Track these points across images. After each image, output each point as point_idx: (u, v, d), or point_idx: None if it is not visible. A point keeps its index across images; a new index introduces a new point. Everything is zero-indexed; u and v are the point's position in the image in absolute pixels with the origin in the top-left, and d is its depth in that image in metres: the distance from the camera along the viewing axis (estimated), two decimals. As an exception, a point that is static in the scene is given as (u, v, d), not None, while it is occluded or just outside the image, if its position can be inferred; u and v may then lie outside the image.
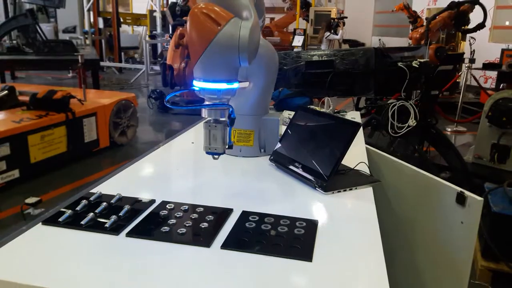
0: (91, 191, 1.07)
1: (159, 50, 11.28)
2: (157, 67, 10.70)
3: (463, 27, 7.47)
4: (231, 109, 1.06)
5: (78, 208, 0.96)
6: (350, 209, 1.05)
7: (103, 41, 12.30)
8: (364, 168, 1.29)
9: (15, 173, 3.40)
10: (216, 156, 1.11)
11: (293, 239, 0.86)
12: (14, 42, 8.80)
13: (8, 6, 11.18)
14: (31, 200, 1.42)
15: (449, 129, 6.04)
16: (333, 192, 1.12)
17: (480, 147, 3.73)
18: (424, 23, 7.64)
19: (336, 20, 8.31)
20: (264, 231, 0.88)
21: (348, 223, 0.97)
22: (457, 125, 6.14)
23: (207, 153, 1.10)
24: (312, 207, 1.05)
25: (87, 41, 11.18)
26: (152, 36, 11.52)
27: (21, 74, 10.63)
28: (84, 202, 0.98)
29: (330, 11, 10.09)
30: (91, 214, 0.92)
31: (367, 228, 0.94)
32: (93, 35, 11.82)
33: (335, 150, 1.13)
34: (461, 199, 1.22)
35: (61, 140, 3.80)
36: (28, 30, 7.12)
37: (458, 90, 7.85)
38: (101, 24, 12.25)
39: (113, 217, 0.91)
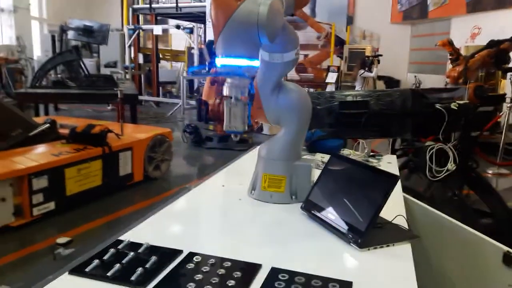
0: (120, 238, 1.06)
1: (196, 85, 11.56)
2: (193, 102, 10.96)
3: (503, 66, 7.28)
4: (250, 85, 1.06)
5: (105, 258, 0.94)
6: (387, 268, 0.99)
7: (142, 76, 12.78)
8: (402, 221, 1.22)
9: (51, 205, 3.48)
10: (236, 136, 1.11)
11: (325, 303, 0.80)
12: (59, 76, 9.31)
13: (56, 42, 11.92)
14: (62, 240, 1.44)
15: (490, 172, 5.77)
16: (368, 249, 1.05)
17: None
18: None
19: (371, 57, 8.31)
20: (295, 292, 0.84)
21: (384, 285, 0.90)
22: (499, 167, 5.87)
23: (227, 132, 1.09)
24: (346, 266, 0.99)
25: (127, 76, 11.64)
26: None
27: (63, 106, 11.13)
28: (112, 250, 0.97)
29: (364, 49, 10.11)
30: (118, 265, 0.90)
31: (406, 293, 0.87)
32: (133, 70, 12.32)
33: (371, 204, 1.08)
34: (508, 260, 1.13)
35: (96, 173, 3.89)
36: (72, 65, 7.52)
37: (499, 130, 7.56)
38: (141, 60, 12.78)
39: (139, 270, 0.88)
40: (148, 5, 12.39)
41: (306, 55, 14.09)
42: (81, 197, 3.77)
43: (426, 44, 14.53)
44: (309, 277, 0.90)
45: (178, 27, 10.80)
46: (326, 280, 0.88)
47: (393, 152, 3.84)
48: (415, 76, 14.43)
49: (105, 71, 11.34)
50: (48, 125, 4.24)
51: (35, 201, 3.34)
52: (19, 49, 13.17)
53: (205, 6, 10.05)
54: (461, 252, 1.28)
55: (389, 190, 1.06)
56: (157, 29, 11.60)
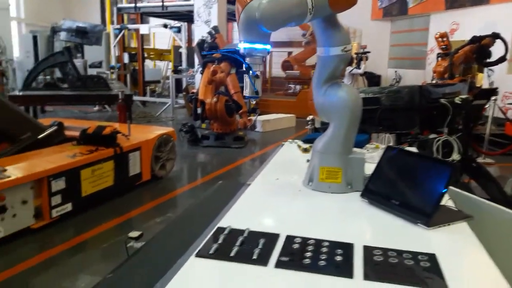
0: (219, 225, 1.19)
1: (184, 84, 11.59)
2: (181, 101, 11.01)
3: (485, 61, 7.64)
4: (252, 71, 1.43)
5: (220, 242, 1.07)
6: (456, 243, 1.15)
7: (128, 75, 12.72)
8: (451, 205, 1.39)
9: (68, 206, 3.54)
10: (253, 101, 1.42)
11: (421, 271, 0.96)
12: (48, 77, 9.21)
13: (38, 43, 11.74)
14: (134, 234, 1.54)
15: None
16: (434, 228, 1.22)
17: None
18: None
19: (359, 54, 8.54)
20: (394, 264, 0.99)
21: (460, 257, 1.06)
22: (485, 157, 6.19)
23: (247, 97, 1.46)
24: (420, 242, 1.15)
25: (114, 76, 11.58)
26: (176, 71, 11.87)
27: (49, 108, 10.98)
28: (222, 236, 1.10)
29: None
30: (236, 247, 1.04)
31: (481, 260, 1.03)
32: (118, 70, 12.25)
33: (434, 188, 1.24)
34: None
35: (109, 174, 3.96)
36: (64, 67, 7.47)
37: (481, 121, 7.92)
38: (126, 59, 12.72)
39: (257, 250, 1.02)
40: (133, 4, 12.31)
41: (290, 53, 14.31)
42: (95, 197, 3.84)
43: (406, 40, 14.94)
44: (400, 251, 1.05)
45: (165, 26, 10.82)
46: (414, 254, 1.04)
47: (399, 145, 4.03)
48: (395, 71, 14.83)
49: (90, 71, 11.25)
50: (55, 127, 4.27)
51: (54, 203, 3.40)
52: None
53: (192, 5, 10.07)
54: (501, 233, 1.45)
55: (451, 176, 1.23)
56: (144, 28, 11.58)
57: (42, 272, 2.80)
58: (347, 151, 1.56)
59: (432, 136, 3.33)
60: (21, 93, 6.94)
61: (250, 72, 1.45)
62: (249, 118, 7.77)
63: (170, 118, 9.97)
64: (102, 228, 3.51)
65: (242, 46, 1.37)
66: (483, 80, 9.48)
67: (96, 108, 11.36)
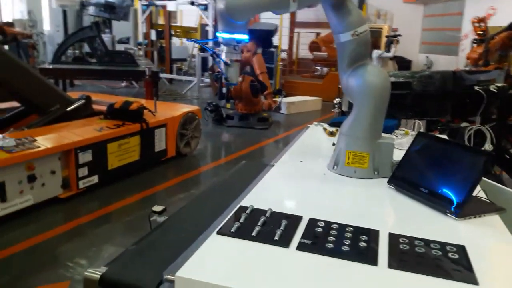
0: (241, 204, 1.18)
1: (210, 63, 11.55)
2: (207, 80, 11.00)
3: (522, 48, 7.31)
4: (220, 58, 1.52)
5: (242, 221, 1.06)
6: (487, 236, 1.10)
7: (155, 52, 12.77)
8: (483, 196, 1.33)
9: (95, 179, 3.62)
10: (231, 87, 1.58)
11: (449, 263, 0.92)
12: (77, 52, 9.35)
13: (67, 17, 11.88)
14: (157, 208, 1.55)
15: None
16: (464, 219, 1.17)
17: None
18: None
19: (390, 37, 8.30)
20: (421, 254, 0.95)
21: (491, 250, 1.02)
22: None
23: (226, 83, 1.60)
24: (449, 232, 1.11)
25: (141, 52, 11.65)
26: (203, 49, 11.82)
27: (77, 82, 11.19)
28: (244, 215, 1.09)
29: (381, 28, 10.07)
30: (257, 227, 1.02)
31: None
32: (145, 47, 12.31)
33: (467, 177, 1.19)
34: None
35: (135, 149, 4.01)
36: (92, 42, 7.57)
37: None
38: (153, 36, 12.75)
39: (278, 231, 1.01)
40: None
41: (318, 34, 14.03)
42: (121, 171, 3.90)
43: (439, 24, 14.43)
44: (427, 241, 1.01)
45: (192, 3, 10.75)
46: (442, 244, 1.00)
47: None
48: (426, 57, 14.40)
49: (118, 47, 11.35)
50: (83, 101, 4.34)
51: (81, 174, 3.47)
52: (30, 23, 13.13)
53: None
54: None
55: (485, 165, 1.17)
56: (171, 5, 11.56)
57: (68, 241, 2.89)
58: (376, 136, 1.51)
59: (463, 124, 3.23)
60: (51, 66, 7.07)
61: (218, 58, 1.52)
62: (274, 99, 7.71)
63: (195, 97, 10.00)
64: (126, 202, 3.58)
65: (220, 36, 1.44)
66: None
67: (124, 84, 11.49)
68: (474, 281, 0.86)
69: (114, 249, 2.76)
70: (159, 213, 1.58)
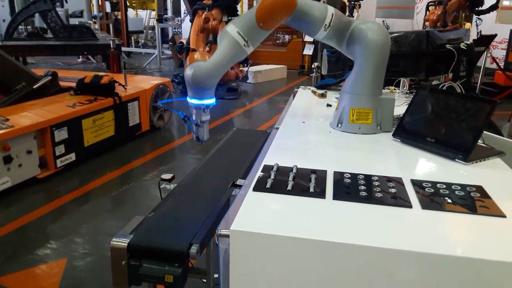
0: (265, 163, 1.20)
1: (170, 34, 11.24)
2: (168, 52, 10.72)
3: (477, 9, 7.59)
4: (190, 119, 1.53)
5: (273, 177, 1.09)
6: (496, 176, 1.19)
7: (110, 25, 12.25)
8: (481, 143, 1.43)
9: (72, 156, 3.52)
10: (201, 144, 1.57)
11: (474, 201, 1.00)
12: (29, 27, 8.79)
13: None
14: (166, 176, 1.55)
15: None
16: (472, 163, 1.25)
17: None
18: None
19: (352, 2, 8.36)
20: (446, 195, 1.02)
21: (504, 189, 1.11)
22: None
23: (197, 141, 1.53)
24: (463, 176, 1.18)
25: (96, 26, 11.13)
26: (161, 20, 11.47)
27: (30, 60, 10.58)
28: (273, 172, 1.11)
29: (341, -6, 10.11)
30: (290, 182, 1.06)
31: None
32: (100, 20, 11.77)
33: (472, 125, 1.27)
34: None
35: (109, 124, 3.91)
36: (47, 16, 7.13)
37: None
38: (108, 8, 12.19)
39: (311, 184, 1.04)
40: None
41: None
42: (97, 147, 3.81)
43: (394, -12, 14.62)
44: (448, 184, 1.08)
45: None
46: (463, 186, 1.08)
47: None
48: (383, 21, 14.62)
49: (72, 21, 10.76)
50: (50, 77, 4.15)
51: (58, 153, 3.36)
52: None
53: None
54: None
55: (490, 112, 1.25)
56: (126, -25, 11.00)
57: (57, 219, 2.83)
58: (378, 92, 1.56)
59: (435, 82, 3.36)
60: (4, 43, 6.64)
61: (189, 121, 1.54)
62: (240, 69, 7.65)
63: (157, 69, 9.75)
64: (107, 178, 3.52)
65: (190, 101, 1.49)
66: (471, 29, 9.45)
67: (80, 59, 11.00)
68: (503, 214, 0.93)
69: (108, 223, 2.73)
70: (169, 181, 1.58)
